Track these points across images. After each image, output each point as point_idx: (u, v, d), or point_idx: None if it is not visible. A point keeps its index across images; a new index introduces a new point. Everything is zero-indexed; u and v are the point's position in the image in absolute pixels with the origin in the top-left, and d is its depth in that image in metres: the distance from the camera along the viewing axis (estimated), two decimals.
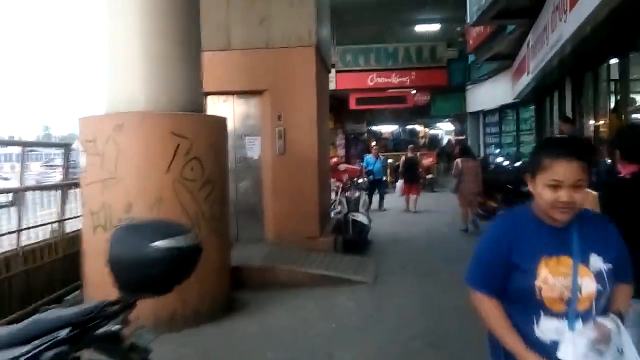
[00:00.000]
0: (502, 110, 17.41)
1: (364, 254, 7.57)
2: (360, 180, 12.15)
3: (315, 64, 7.43)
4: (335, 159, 12.47)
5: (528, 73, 10.80)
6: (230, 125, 7.73)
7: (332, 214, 9.56)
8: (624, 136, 2.69)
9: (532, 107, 15.15)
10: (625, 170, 2.50)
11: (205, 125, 5.01)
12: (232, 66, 7.42)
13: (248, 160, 7.71)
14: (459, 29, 19.62)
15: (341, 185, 11.42)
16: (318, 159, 7.44)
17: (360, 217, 7.67)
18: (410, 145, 15.36)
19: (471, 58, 15.55)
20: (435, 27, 20.51)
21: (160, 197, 4.65)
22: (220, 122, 5.38)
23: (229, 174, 7.70)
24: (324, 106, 8.70)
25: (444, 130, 29.97)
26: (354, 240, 7.71)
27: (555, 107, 12.52)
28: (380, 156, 13.41)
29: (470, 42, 14.09)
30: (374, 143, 25.90)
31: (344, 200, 8.03)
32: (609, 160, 6.81)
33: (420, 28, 20.66)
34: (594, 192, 2.35)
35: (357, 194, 8.06)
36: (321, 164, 7.76)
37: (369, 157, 13.33)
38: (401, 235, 9.25)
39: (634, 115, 7.20)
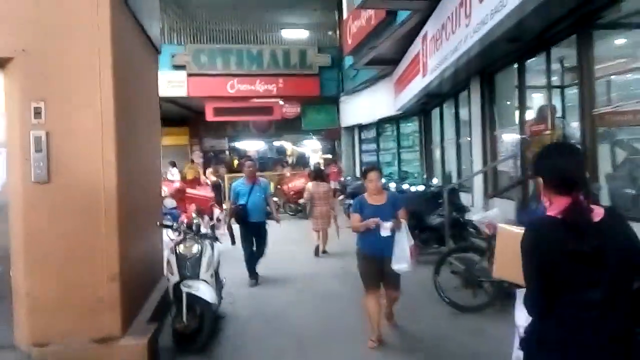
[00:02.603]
0: (379, 124, 15.52)
1: None
2: (218, 214, 8.61)
3: (113, 16, 4.05)
4: (175, 185, 8.92)
5: (425, 74, 8.63)
6: None
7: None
8: (549, 158, 1.87)
9: (415, 121, 13.37)
10: (552, 205, 1.83)
11: None
12: None
13: None
14: (331, 32, 17.55)
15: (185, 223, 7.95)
16: (120, 190, 4.00)
17: (202, 290, 4.40)
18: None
19: (348, 62, 13.37)
20: (303, 33, 18.20)
21: None
22: None
23: None
24: (142, 99, 5.30)
25: (311, 149, 27.99)
26: (189, 332, 4.38)
27: (449, 119, 10.65)
28: (262, 180, 7.26)
29: (349, 40, 11.80)
30: (236, 161, 22.71)
31: (173, 259, 4.65)
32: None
33: (287, 34, 18.19)
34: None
35: (195, 247, 4.73)
36: (130, 200, 4.33)
37: (238, 183, 7.05)
38: (272, 302, 6.11)
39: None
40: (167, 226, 4.65)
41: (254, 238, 6.81)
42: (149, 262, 4.89)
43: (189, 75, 15.56)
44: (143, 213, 4.81)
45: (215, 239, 5.11)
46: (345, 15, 13.25)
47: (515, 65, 6.94)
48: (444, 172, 10.96)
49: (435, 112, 11.65)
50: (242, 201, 6.75)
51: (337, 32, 16.94)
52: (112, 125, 3.97)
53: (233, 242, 6.77)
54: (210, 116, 16.51)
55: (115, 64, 4.03)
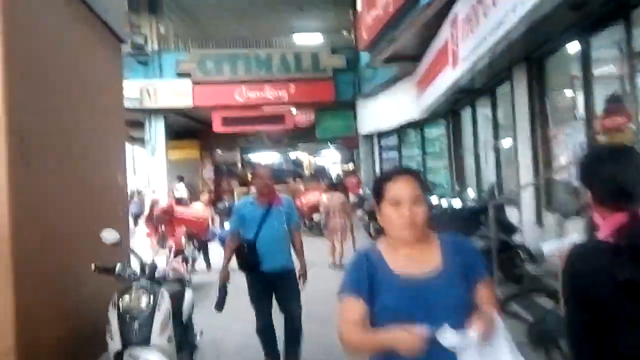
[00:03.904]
0: (401, 130, 14.05)
1: None
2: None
3: None
4: (163, 204, 7.61)
5: (455, 65, 7.18)
6: None
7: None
8: (600, 165, 1.50)
9: (442, 124, 11.85)
10: (604, 223, 1.44)
11: None
12: None
13: None
14: (345, 32, 16.23)
15: (174, 250, 6.63)
16: (18, 224, 2.68)
17: None
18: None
19: (364, 59, 11.99)
20: (316, 37, 16.88)
21: None
22: None
23: None
24: (91, 99, 4.00)
25: (331, 161, 26.65)
26: None
27: (484, 119, 9.13)
28: (284, 199, 4.21)
29: (364, 34, 10.44)
30: (249, 174, 21.44)
31: (113, 316, 3.25)
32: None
33: (299, 38, 16.90)
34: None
35: (144, 299, 3.35)
36: (43, 238, 3.00)
37: (245, 203, 4.22)
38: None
39: None
40: (106, 270, 3.28)
41: (276, 298, 4.03)
42: (85, 323, 3.52)
43: (195, 83, 14.41)
44: (74, 254, 3.46)
45: (182, 282, 3.72)
46: (359, 8, 11.89)
47: (574, 47, 5.43)
48: (478, 182, 9.42)
49: (466, 113, 10.14)
50: (249, 234, 3.93)
51: (352, 30, 15.62)
52: (2, 132, 2.66)
53: (219, 307, 4.04)
54: (218, 127, 15.30)
55: (14, 52, 2.73)
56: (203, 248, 8.00)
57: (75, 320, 3.43)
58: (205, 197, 9.44)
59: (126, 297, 3.25)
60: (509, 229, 5.82)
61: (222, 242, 7.98)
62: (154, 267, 3.41)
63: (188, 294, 3.88)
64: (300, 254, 4.16)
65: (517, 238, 5.94)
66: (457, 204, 7.42)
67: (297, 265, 4.13)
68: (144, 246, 6.17)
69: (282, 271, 3.94)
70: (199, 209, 8.76)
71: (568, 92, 6.13)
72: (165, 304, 3.29)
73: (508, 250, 5.60)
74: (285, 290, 3.98)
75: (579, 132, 5.50)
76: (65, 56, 3.56)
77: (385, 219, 1.68)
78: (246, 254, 3.92)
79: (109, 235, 3.31)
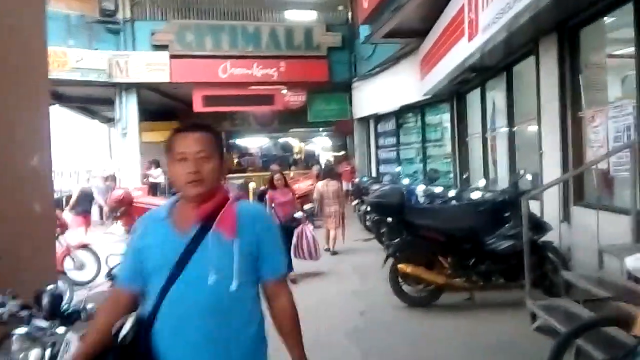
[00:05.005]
0: (400, 114, 13.07)
1: None
2: None
3: None
4: (117, 193, 6.44)
5: (473, 36, 6.17)
6: None
7: None
8: None
9: (445, 109, 10.88)
10: None
11: None
12: None
13: None
14: (341, 7, 15.09)
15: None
16: None
17: None
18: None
19: (362, 37, 10.93)
20: (310, 15, 15.68)
21: None
22: None
23: None
24: None
25: (321, 146, 25.60)
26: None
27: (495, 102, 8.16)
28: (248, 210, 1.66)
29: (364, 4, 9.37)
30: (235, 159, 20.35)
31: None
32: None
33: (291, 15, 15.66)
34: None
35: (35, 351, 1.95)
36: None
37: (147, 218, 1.72)
38: None
39: None
40: None
41: None
42: None
43: (172, 56, 13.21)
44: None
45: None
46: None
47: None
48: (485, 172, 8.50)
49: (474, 95, 9.16)
50: (149, 304, 1.62)
51: (349, 5, 14.51)
52: None
53: None
54: (198, 106, 14.12)
55: None
56: None
57: None
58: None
59: (4, 350, 2.04)
60: (537, 226, 4.87)
61: None
62: (55, 296, 2.01)
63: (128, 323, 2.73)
64: (292, 336, 1.70)
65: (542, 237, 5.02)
66: (475, 196, 6.44)
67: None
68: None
69: None
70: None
71: (607, 67, 5.17)
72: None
73: (536, 251, 4.69)
74: None
75: (628, 111, 4.54)
76: None
77: None
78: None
79: None
